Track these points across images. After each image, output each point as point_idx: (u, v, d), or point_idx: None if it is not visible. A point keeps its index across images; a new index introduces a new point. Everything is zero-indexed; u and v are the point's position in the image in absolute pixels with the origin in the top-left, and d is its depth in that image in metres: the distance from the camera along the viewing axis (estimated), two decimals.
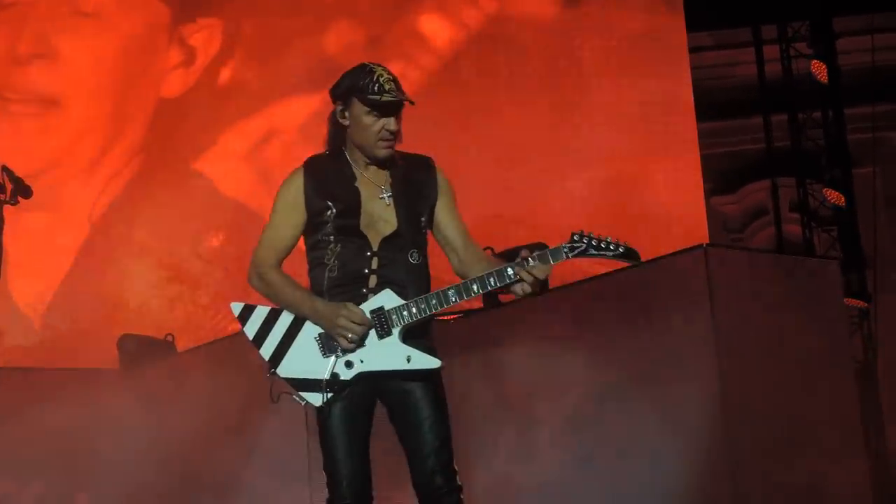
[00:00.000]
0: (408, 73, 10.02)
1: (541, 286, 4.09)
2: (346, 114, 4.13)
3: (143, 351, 8.22)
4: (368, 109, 4.08)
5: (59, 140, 10.64)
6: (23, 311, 10.12)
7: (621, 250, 4.04)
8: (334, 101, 4.19)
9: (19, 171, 5.64)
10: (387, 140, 4.10)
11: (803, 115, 10.27)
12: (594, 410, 6.02)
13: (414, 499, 4.15)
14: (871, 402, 9.33)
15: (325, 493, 4.12)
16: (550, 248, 4.05)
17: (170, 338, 8.45)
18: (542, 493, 6.22)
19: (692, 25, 10.49)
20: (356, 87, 4.10)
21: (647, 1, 10.44)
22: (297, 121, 10.21)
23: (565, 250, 4.04)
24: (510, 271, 4.02)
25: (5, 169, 5.56)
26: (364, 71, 4.13)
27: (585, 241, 4.03)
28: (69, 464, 7.12)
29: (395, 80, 4.12)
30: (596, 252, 4.03)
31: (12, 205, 5.60)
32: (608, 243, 4.04)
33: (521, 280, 4.01)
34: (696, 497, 5.61)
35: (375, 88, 4.08)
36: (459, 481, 4.12)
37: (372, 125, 4.09)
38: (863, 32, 10.60)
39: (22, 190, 5.57)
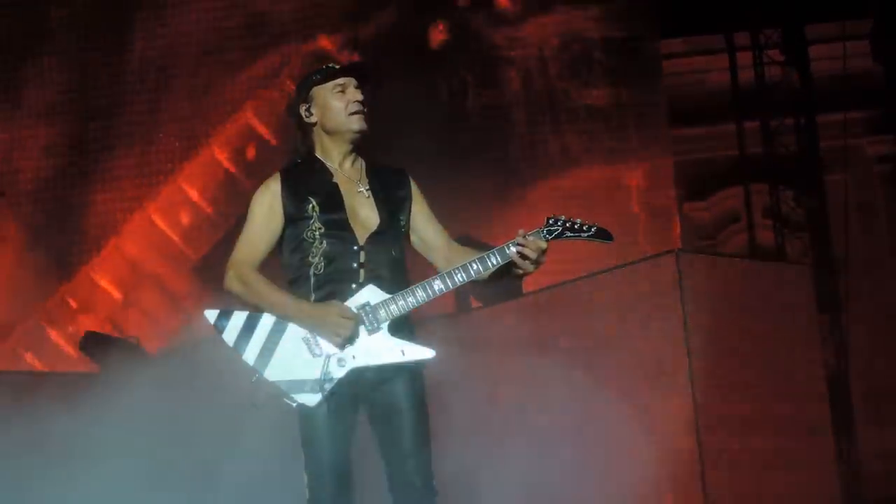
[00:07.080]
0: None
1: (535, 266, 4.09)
2: (312, 109, 4.21)
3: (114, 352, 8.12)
4: (332, 87, 4.17)
5: None
6: None
7: (594, 231, 4.11)
8: (298, 107, 4.24)
9: None
10: (357, 110, 4.16)
11: (776, 122, 10.31)
12: (566, 413, 6.03)
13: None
14: (843, 407, 9.36)
15: (303, 496, 4.09)
16: (529, 231, 4.08)
17: (134, 340, 8.37)
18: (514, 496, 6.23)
19: (665, 32, 10.52)
20: (312, 80, 4.21)
21: (620, 8, 10.47)
22: None
23: (543, 234, 4.07)
24: (512, 248, 4.03)
25: None
26: (313, 68, 4.27)
27: (560, 225, 4.10)
28: None
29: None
30: (572, 234, 4.10)
31: None
32: (581, 225, 4.10)
33: (521, 257, 4.01)
34: (666, 498, 5.62)
35: (328, 67, 4.22)
36: (436, 487, 4.11)
37: (339, 101, 4.17)
38: (835, 40, 10.66)
39: None
